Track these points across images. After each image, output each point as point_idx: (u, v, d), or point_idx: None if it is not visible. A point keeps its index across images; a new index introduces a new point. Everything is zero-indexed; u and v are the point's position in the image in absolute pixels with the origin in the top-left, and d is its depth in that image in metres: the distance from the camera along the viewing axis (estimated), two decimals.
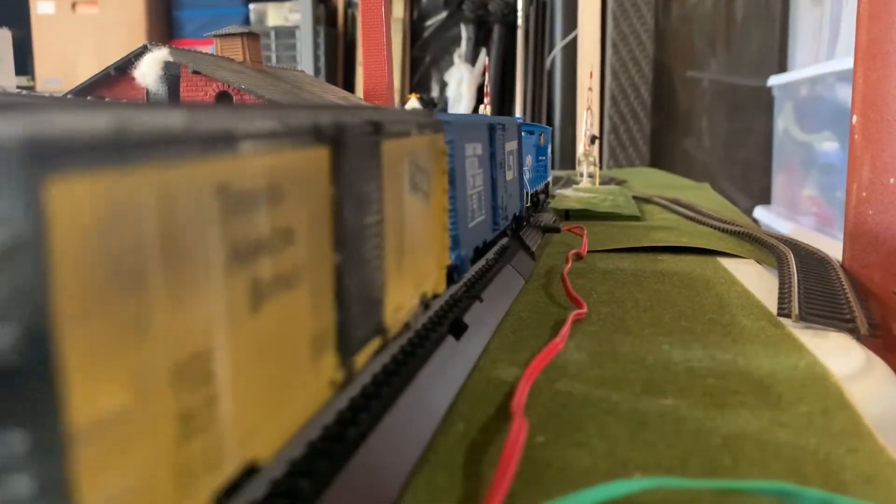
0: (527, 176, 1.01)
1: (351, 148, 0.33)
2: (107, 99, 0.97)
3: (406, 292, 0.43)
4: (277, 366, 0.27)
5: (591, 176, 1.98)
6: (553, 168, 2.85)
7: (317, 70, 3.44)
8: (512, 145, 0.88)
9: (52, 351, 0.16)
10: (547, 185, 1.31)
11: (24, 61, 3.28)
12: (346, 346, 0.33)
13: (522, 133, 0.98)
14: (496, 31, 3.53)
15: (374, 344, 0.37)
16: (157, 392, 0.20)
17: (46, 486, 0.16)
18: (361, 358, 0.35)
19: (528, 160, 1.07)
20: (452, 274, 0.56)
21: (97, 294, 0.18)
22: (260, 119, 0.26)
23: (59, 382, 0.16)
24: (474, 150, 0.65)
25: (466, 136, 0.62)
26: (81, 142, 0.17)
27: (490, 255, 0.79)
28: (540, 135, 1.22)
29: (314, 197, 0.30)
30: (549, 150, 1.31)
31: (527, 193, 1.01)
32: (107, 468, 0.18)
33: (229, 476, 0.24)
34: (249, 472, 0.25)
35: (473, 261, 0.64)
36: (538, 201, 1.15)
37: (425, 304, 0.48)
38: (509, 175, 0.84)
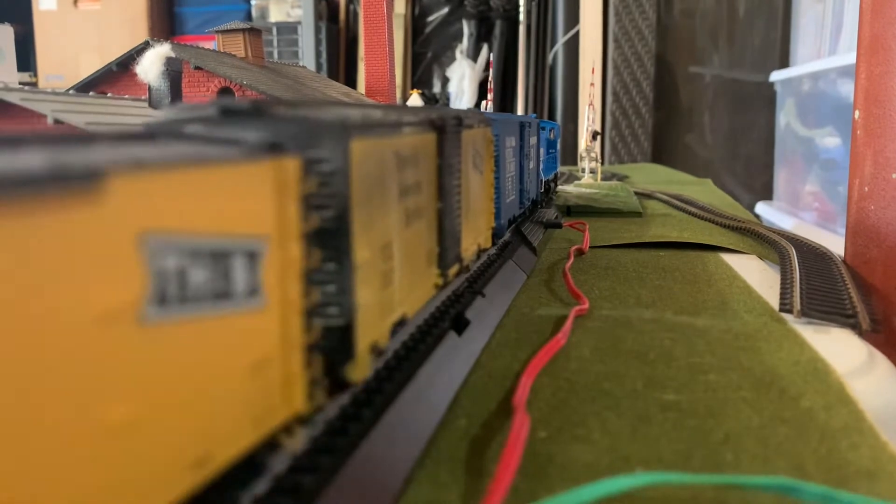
0: (540, 166, 1.16)
1: (447, 133, 0.50)
2: (109, 95, 0.97)
3: (470, 239, 0.59)
4: (413, 264, 0.43)
5: (592, 172, 1.98)
6: None
7: (318, 66, 3.44)
8: (533, 140, 1.04)
9: (348, 223, 0.32)
10: (556, 175, 1.50)
11: (26, 57, 3.28)
12: (442, 263, 0.50)
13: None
14: (498, 26, 3.53)
15: (456, 268, 0.54)
16: (376, 257, 0.36)
17: (342, 290, 0.32)
18: (451, 273, 0.52)
19: (541, 152, 1.18)
20: (495, 236, 0.71)
21: (362, 198, 0.33)
22: (410, 114, 0.45)
23: (350, 239, 0.32)
24: (510, 142, 0.82)
25: (506, 131, 0.78)
26: (355, 123, 0.34)
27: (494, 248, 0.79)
28: (550, 130, 1.35)
29: (428, 163, 0.46)
30: (559, 144, 1.51)
31: (541, 181, 1.18)
32: (363, 287, 0.33)
33: (395, 319, 0.40)
34: (402, 321, 0.41)
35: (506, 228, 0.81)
36: (549, 189, 1.34)
37: (479, 252, 0.64)
38: (531, 165, 1.01)
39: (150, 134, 0.26)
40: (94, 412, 0.19)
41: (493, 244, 0.71)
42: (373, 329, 0.35)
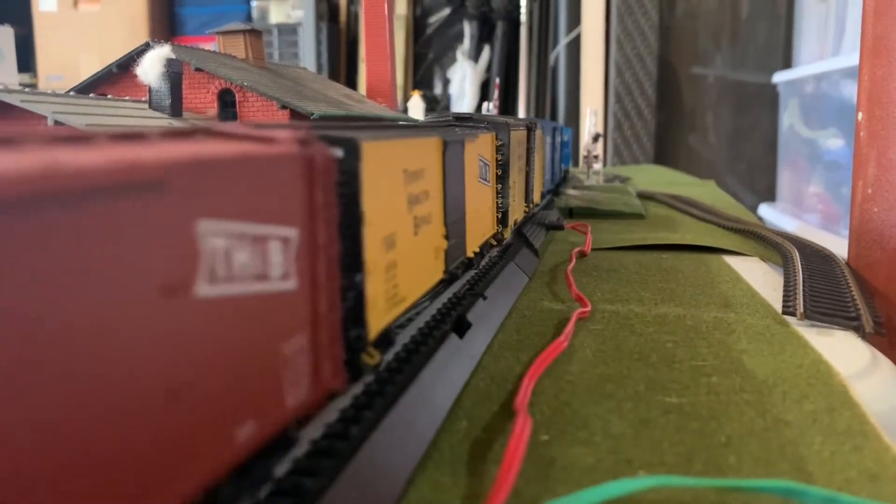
0: (560, 159, 1.63)
1: (532, 130, 0.91)
2: (109, 96, 0.97)
3: (534, 194, 0.98)
4: (518, 195, 0.82)
5: (595, 173, 1.98)
6: None
7: (319, 67, 3.44)
8: (558, 139, 1.50)
9: (509, 166, 0.73)
10: (569, 168, 2.04)
11: (26, 58, 3.28)
12: (527, 200, 0.90)
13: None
14: (499, 27, 3.53)
15: (531, 205, 0.94)
16: (512, 185, 0.77)
17: (505, 195, 0.72)
18: (530, 206, 0.93)
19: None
20: (543, 197, 1.17)
21: (512, 155, 0.75)
22: (521, 120, 0.91)
23: (510, 173, 0.74)
24: (548, 140, 1.25)
25: (546, 132, 1.20)
26: (511, 123, 0.75)
27: (495, 251, 0.79)
28: (564, 133, 1.79)
29: (522, 145, 0.85)
30: (570, 144, 2.07)
31: (561, 168, 1.64)
32: (511, 196, 0.76)
33: (516, 218, 0.80)
34: (516, 221, 0.81)
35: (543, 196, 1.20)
36: (565, 176, 1.86)
37: (534, 205, 1.01)
38: (556, 156, 1.46)
39: (451, 123, 0.68)
40: (473, 205, 0.58)
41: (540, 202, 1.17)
42: (511, 219, 0.75)
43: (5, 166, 0.16)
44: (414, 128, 0.54)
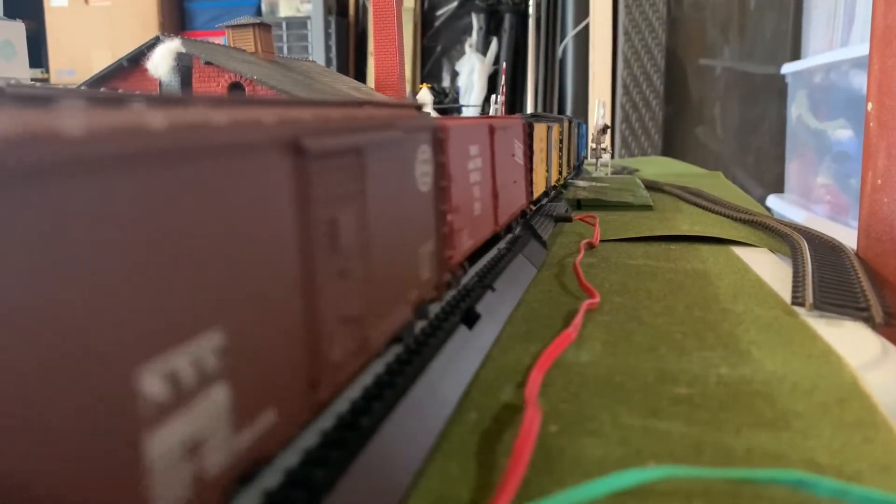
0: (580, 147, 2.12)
1: (570, 123, 1.61)
2: (119, 90, 0.97)
3: (569, 165, 1.56)
4: (563, 164, 1.41)
5: (603, 165, 1.97)
6: None
7: (328, 60, 3.44)
8: (578, 131, 1.94)
9: (562, 144, 1.40)
10: (585, 155, 2.36)
11: (38, 53, 3.30)
12: (560, 170, 1.35)
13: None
14: (507, 19, 3.52)
15: (570, 169, 1.63)
16: (560, 158, 1.35)
17: (560, 159, 1.39)
18: (570, 168, 1.64)
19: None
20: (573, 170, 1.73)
21: (566, 137, 1.47)
22: (567, 117, 1.64)
23: (562, 148, 1.40)
24: (576, 131, 1.75)
25: (575, 125, 1.71)
26: (560, 118, 1.43)
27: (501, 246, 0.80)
28: (581, 127, 2.17)
29: (566, 131, 1.48)
30: (586, 136, 2.34)
31: (580, 154, 2.08)
32: (560, 163, 1.38)
33: (565, 175, 1.46)
34: (561, 178, 1.42)
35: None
36: (582, 161, 2.20)
37: (570, 169, 1.60)
38: (580, 143, 1.98)
39: (537, 118, 1.14)
40: (553, 159, 1.26)
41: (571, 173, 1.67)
42: (563, 174, 1.40)
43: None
44: (540, 117, 1.20)
